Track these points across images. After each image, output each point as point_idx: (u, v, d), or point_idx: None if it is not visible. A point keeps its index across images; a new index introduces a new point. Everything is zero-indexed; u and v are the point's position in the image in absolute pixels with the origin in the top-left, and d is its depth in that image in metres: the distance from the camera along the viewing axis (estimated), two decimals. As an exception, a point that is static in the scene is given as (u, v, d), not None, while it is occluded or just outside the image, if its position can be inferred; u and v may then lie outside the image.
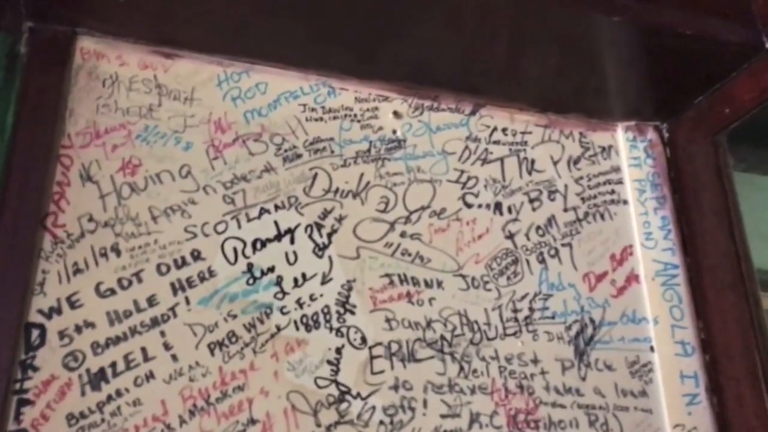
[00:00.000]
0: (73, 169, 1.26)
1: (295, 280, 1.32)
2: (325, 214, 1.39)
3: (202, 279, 1.27)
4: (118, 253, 1.24)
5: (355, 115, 1.48)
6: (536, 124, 1.61)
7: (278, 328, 1.28)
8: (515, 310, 1.43)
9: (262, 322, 1.28)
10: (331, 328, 1.31)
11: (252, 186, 1.36)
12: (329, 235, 1.37)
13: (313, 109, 1.46)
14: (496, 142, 1.57)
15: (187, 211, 1.30)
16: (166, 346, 1.21)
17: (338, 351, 1.30)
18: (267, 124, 1.42)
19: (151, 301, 1.23)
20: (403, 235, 1.42)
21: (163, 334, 1.22)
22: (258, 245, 1.32)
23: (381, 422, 1.27)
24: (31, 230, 1.18)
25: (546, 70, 1.47)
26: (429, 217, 1.46)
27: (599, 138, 1.66)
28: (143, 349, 1.20)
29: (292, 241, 1.35)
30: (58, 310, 1.17)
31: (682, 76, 1.49)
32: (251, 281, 1.30)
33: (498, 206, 1.51)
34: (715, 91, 1.51)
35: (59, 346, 1.16)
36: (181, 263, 1.27)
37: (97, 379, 1.16)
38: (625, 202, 1.61)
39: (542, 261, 1.50)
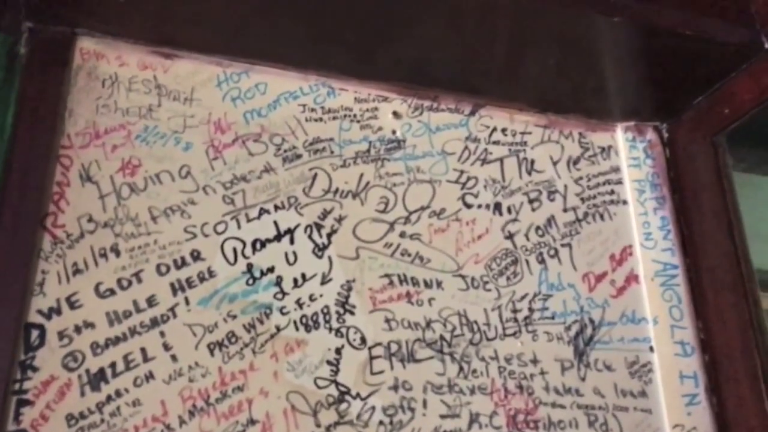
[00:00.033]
0: (72, 170, 1.26)
1: (295, 280, 1.32)
2: (325, 214, 1.39)
3: (202, 279, 1.27)
4: (118, 254, 1.24)
5: (355, 116, 1.48)
6: (536, 125, 1.61)
7: (278, 329, 1.28)
8: (515, 311, 1.43)
9: (261, 322, 1.28)
10: (330, 329, 1.31)
11: (252, 186, 1.36)
12: (329, 236, 1.37)
13: (312, 110, 1.46)
14: (496, 143, 1.57)
15: (187, 211, 1.30)
16: (166, 347, 1.21)
17: (338, 351, 1.30)
18: (267, 124, 1.42)
19: (151, 302, 1.23)
20: (402, 235, 1.42)
21: (162, 334, 1.22)
22: (258, 245, 1.32)
23: (381, 422, 1.27)
24: (30, 230, 1.18)
25: (545, 71, 1.47)
26: (428, 217, 1.46)
27: (599, 138, 1.66)
28: (143, 350, 1.20)
29: (291, 242, 1.35)
30: (58, 311, 1.17)
31: (682, 77, 1.49)
32: (251, 281, 1.30)
33: (497, 206, 1.51)
34: (714, 92, 1.52)
35: (59, 347, 1.16)
36: (181, 263, 1.27)
37: (97, 379, 1.16)
38: (625, 202, 1.61)
39: (542, 261, 1.50)
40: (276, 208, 1.36)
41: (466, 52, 1.43)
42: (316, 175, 1.41)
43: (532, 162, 1.58)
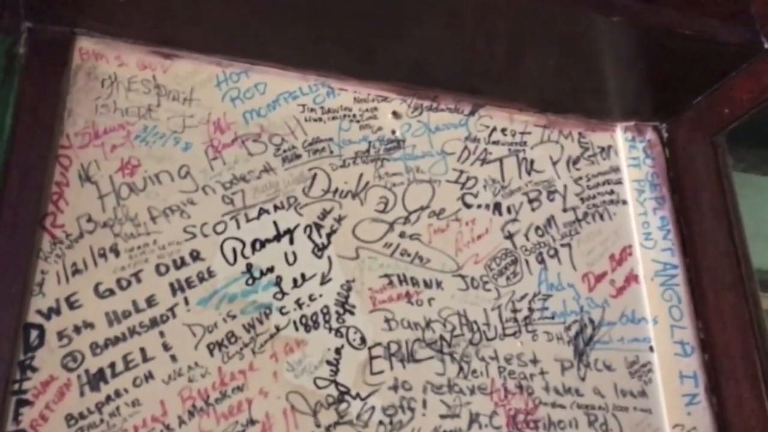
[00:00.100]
0: (71, 170, 1.26)
1: (295, 280, 1.32)
2: (325, 214, 1.39)
3: (202, 279, 1.27)
4: (117, 254, 1.24)
5: (354, 116, 1.48)
6: (535, 125, 1.61)
7: (277, 329, 1.28)
8: (514, 311, 1.43)
9: (261, 322, 1.28)
10: (330, 329, 1.31)
11: (251, 186, 1.36)
12: (328, 236, 1.37)
13: (312, 110, 1.46)
14: (496, 143, 1.57)
15: (186, 211, 1.30)
16: (165, 347, 1.21)
17: (337, 351, 1.30)
18: (266, 124, 1.42)
19: (150, 302, 1.23)
20: (402, 235, 1.42)
21: (162, 334, 1.21)
22: (257, 246, 1.32)
23: (380, 422, 1.27)
24: (30, 230, 1.18)
25: (545, 71, 1.47)
26: (428, 217, 1.46)
27: (598, 138, 1.66)
28: (142, 350, 1.20)
29: (291, 242, 1.35)
30: (57, 311, 1.17)
31: (681, 77, 1.49)
32: (250, 281, 1.30)
33: (497, 206, 1.51)
34: (714, 92, 1.52)
35: (58, 347, 1.16)
36: (180, 264, 1.27)
37: (96, 379, 1.16)
38: (625, 202, 1.61)
39: (541, 261, 1.50)
40: (275, 208, 1.36)
41: (466, 52, 1.43)
42: (315, 175, 1.41)
43: (532, 162, 1.58)
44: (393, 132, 1.50)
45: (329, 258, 1.36)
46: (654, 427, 1.43)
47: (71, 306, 1.18)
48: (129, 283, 1.23)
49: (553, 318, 1.45)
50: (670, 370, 1.47)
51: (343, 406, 1.27)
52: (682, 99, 1.57)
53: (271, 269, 1.31)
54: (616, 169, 1.63)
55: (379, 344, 1.33)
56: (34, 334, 1.15)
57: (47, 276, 1.18)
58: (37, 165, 1.21)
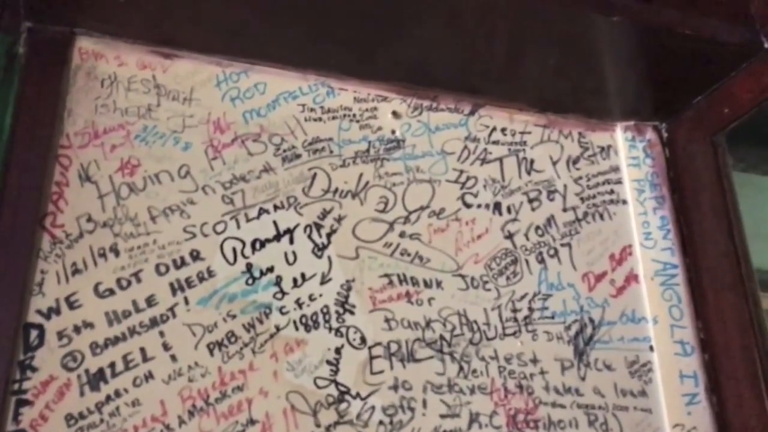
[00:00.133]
0: (71, 170, 1.26)
1: (295, 280, 1.32)
2: (324, 214, 1.39)
3: (201, 279, 1.27)
4: (117, 254, 1.24)
5: (354, 115, 1.48)
6: (535, 124, 1.61)
7: (277, 329, 1.28)
8: (514, 310, 1.43)
9: (261, 322, 1.28)
10: (330, 328, 1.31)
11: (251, 186, 1.36)
12: (328, 235, 1.37)
13: (312, 110, 1.46)
14: (495, 142, 1.57)
15: (186, 211, 1.30)
16: (165, 347, 1.21)
17: (337, 351, 1.30)
18: (266, 124, 1.42)
19: (150, 302, 1.23)
20: (402, 235, 1.42)
21: (162, 334, 1.21)
22: (257, 245, 1.32)
23: (380, 422, 1.27)
24: (29, 230, 1.18)
25: (545, 70, 1.47)
26: (428, 217, 1.46)
27: (598, 138, 1.66)
28: (142, 350, 1.20)
29: (291, 241, 1.35)
30: (57, 311, 1.17)
31: (681, 76, 1.49)
32: (250, 281, 1.30)
33: (497, 206, 1.51)
34: (714, 91, 1.52)
35: (58, 347, 1.15)
36: (180, 263, 1.27)
37: (96, 379, 1.16)
38: (624, 202, 1.61)
39: (541, 261, 1.50)
40: (275, 207, 1.36)
41: (466, 52, 1.43)
42: (315, 174, 1.41)
43: (532, 162, 1.58)
44: (393, 132, 1.50)
45: (329, 258, 1.36)
46: (654, 426, 1.43)
47: (71, 306, 1.18)
48: (129, 283, 1.23)
49: (553, 318, 1.45)
50: (670, 370, 1.47)
51: (343, 405, 1.27)
52: (682, 99, 1.57)
53: (271, 269, 1.31)
54: (616, 169, 1.63)
55: (379, 344, 1.33)
56: (33, 333, 1.15)
57: (47, 276, 1.18)
58: (36, 165, 1.21)
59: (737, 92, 1.46)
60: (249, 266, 1.30)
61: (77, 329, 1.17)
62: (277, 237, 1.34)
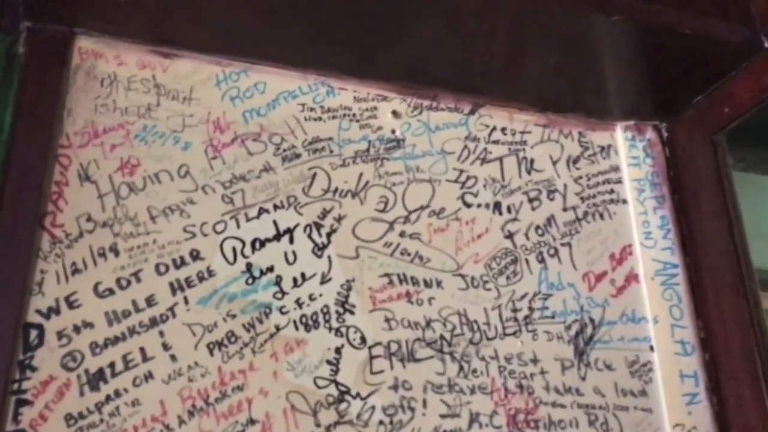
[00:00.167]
0: (71, 169, 1.26)
1: (294, 279, 1.32)
2: (324, 213, 1.39)
3: (201, 279, 1.27)
4: (117, 253, 1.23)
5: (354, 115, 1.48)
6: (535, 124, 1.61)
7: (277, 328, 1.28)
8: (515, 310, 1.43)
9: (261, 322, 1.27)
10: (330, 328, 1.31)
11: (251, 186, 1.36)
12: (328, 235, 1.37)
13: (312, 109, 1.46)
14: (496, 142, 1.57)
15: (186, 210, 1.30)
16: (165, 347, 1.21)
17: (338, 351, 1.30)
18: (266, 123, 1.42)
19: (150, 301, 1.23)
20: (402, 234, 1.42)
21: (162, 334, 1.21)
22: (257, 245, 1.32)
23: (380, 422, 1.27)
24: (29, 230, 1.18)
25: (545, 70, 1.47)
26: (428, 216, 1.46)
27: (598, 137, 1.66)
28: (142, 350, 1.19)
29: (291, 241, 1.35)
30: (57, 311, 1.17)
31: (681, 76, 1.49)
32: (250, 281, 1.29)
33: (497, 206, 1.51)
34: (714, 91, 1.52)
35: (58, 347, 1.15)
36: (180, 263, 1.26)
37: (96, 379, 1.16)
38: (625, 201, 1.61)
39: (542, 260, 1.49)
40: (275, 207, 1.36)
41: (466, 52, 1.43)
42: (315, 174, 1.41)
43: (532, 161, 1.58)
44: (393, 131, 1.50)
45: (329, 257, 1.36)
46: (654, 426, 1.43)
47: (71, 306, 1.18)
48: (129, 283, 1.23)
49: (553, 317, 1.45)
50: (671, 370, 1.47)
51: (343, 405, 1.26)
52: (682, 98, 1.57)
53: (270, 269, 1.31)
54: (616, 169, 1.63)
55: (379, 344, 1.33)
56: (33, 333, 1.15)
57: (47, 275, 1.18)
58: (36, 164, 1.21)
59: (737, 92, 1.46)
60: (249, 266, 1.30)
61: (77, 329, 1.17)
62: (277, 237, 1.34)
